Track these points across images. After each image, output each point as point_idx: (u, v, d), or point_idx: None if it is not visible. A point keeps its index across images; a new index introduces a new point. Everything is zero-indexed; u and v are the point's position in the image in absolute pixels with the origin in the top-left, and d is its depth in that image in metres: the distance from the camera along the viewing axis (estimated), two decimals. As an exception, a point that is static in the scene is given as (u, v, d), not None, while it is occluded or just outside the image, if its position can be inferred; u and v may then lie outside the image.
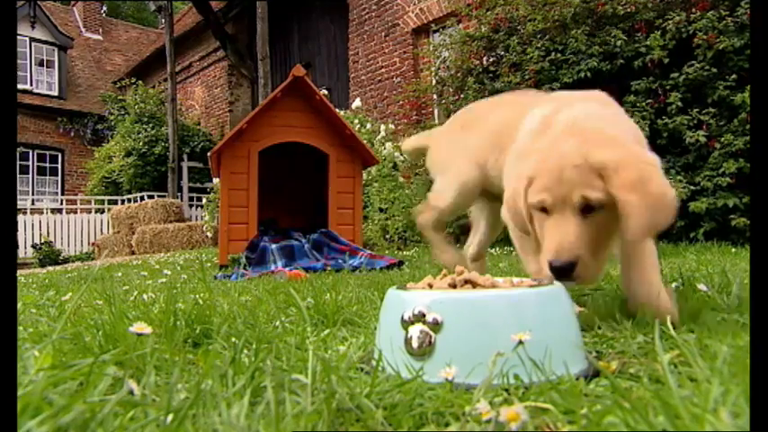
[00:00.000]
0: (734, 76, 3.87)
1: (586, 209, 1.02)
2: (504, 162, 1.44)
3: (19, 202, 12.47)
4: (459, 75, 5.64)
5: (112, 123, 13.47)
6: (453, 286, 0.91)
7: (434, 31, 7.58)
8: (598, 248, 1.04)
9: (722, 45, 3.87)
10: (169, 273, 3.90)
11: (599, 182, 1.01)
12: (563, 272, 0.98)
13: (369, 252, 4.35)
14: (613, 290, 1.46)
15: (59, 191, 16.05)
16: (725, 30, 3.91)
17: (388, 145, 6.97)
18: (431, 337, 0.79)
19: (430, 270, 3.12)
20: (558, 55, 4.71)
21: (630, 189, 0.97)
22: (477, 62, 5.54)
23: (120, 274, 4.51)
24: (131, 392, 0.69)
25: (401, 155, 6.92)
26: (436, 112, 7.21)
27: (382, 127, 7.37)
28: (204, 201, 8.97)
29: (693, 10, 4.09)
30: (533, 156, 1.13)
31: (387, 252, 5.23)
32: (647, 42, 4.22)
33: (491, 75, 5.37)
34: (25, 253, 11.18)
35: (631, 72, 4.35)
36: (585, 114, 1.19)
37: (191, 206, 11.69)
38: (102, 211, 12.27)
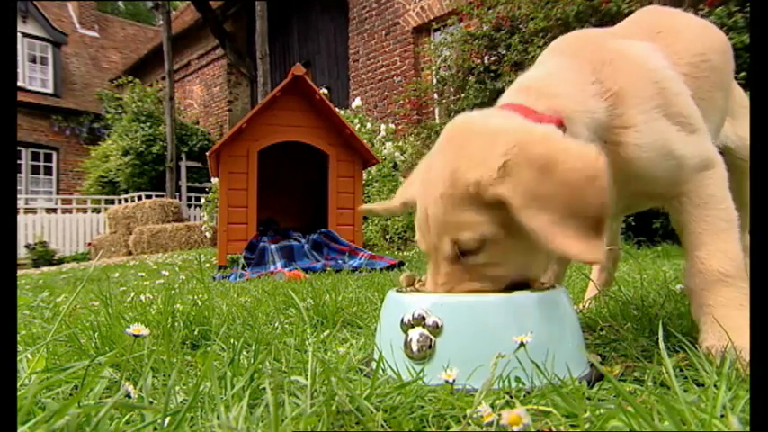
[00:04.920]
0: (743, 73, 3.81)
1: (468, 251, 0.80)
2: None
3: (13, 202, 12.45)
4: (460, 74, 5.63)
5: (109, 122, 13.44)
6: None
7: (435, 30, 7.56)
8: (511, 268, 0.83)
9: (731, 42, 3.79)
10: (167, 273, 3.88)
11: (478, 212, 0.76)
12: None
13: (369, 253, 4.34)
14: (616, 291, 1.45)
15: (54, 190, 15.96)
16: (734, 26, 3.80)
17: (389, 145, 6.97)
18: (431, 340, 0.78)
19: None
20: (561, 54, 4.69)
21: (527, 203, 0.71)
22: (479, 61, 5.53)
23: (116, 274, 4.50)
24: (128, 395, 0.68)
25: (401, 154, 6.93)
26: (437, 111, 7.20)
27: (382, 126, 7.37)
28: (203, 201, 8.96)
29: (702, 6, 4.04)
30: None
31: (387, 253, 5.23)
32: (654, 40, 4.19)
33: (492, 74, 5.35)
34: (18, 253, 11.15)
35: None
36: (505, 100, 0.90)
37: (189, 206, 11.68)
38: (99, 211, 12.25)
